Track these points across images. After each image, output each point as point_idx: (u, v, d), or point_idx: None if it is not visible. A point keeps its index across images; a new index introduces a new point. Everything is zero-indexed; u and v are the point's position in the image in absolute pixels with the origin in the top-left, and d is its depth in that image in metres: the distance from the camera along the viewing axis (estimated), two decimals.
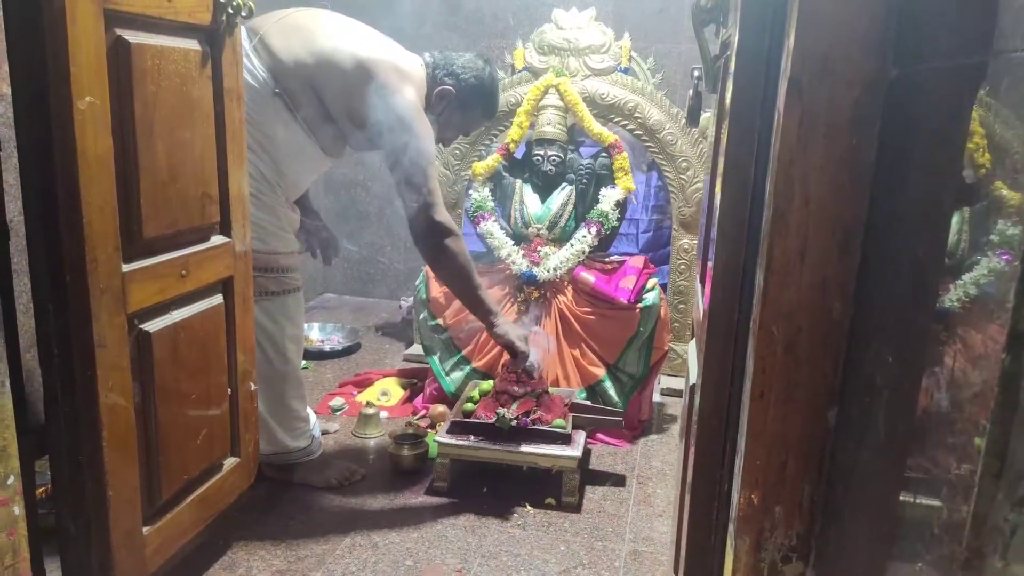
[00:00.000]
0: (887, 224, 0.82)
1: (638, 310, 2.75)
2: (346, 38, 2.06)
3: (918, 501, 0.67)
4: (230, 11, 1.66)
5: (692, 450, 1.29)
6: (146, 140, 1.47)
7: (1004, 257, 0.81)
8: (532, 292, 2.86)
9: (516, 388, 2.43)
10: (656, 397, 3.10)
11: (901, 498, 0.73)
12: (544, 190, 3.02)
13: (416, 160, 2.03)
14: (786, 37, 0.89)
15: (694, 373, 1.43)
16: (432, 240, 2.10)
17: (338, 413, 2.96)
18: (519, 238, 2.99)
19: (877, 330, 0.82)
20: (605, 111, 3.09)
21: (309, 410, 2.47)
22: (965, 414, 0.69)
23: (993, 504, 0.48)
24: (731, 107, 1.12)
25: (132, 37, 1.42)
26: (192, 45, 1.59)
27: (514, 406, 2.40)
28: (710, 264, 1.27)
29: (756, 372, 0.93)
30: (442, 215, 2.08)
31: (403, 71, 2.07)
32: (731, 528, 1.03)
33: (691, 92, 1.55)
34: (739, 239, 1.11)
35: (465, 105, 2.23)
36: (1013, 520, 0.47)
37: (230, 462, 1.92)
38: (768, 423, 0.93)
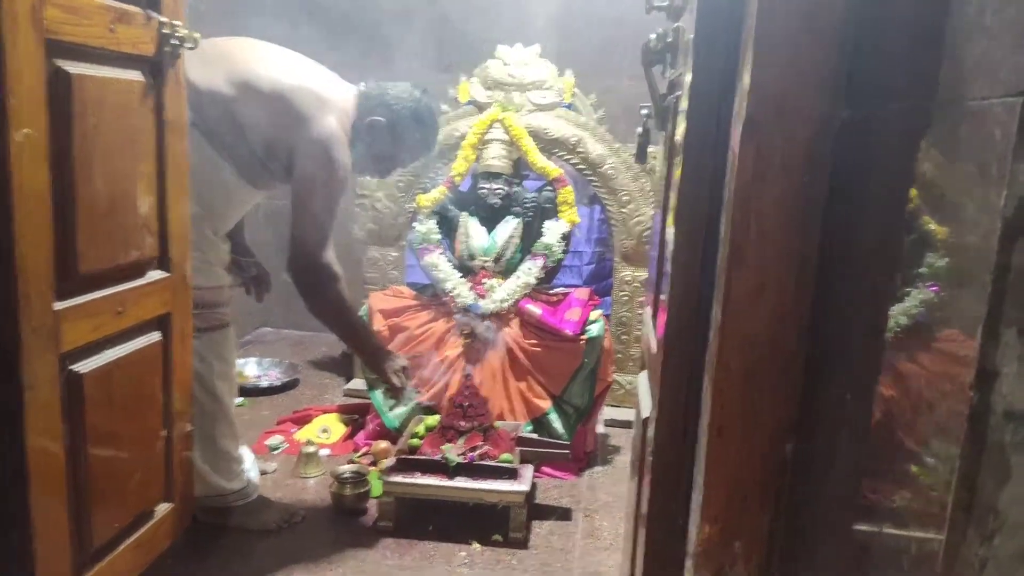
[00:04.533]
0: (840, 258, 0.84)
1: (583, 342, 2.77)
2: (266, 65, 2.02)
3: (883, 531, 0.68)
4: (174, 42, 1.62)
5: (646, 483, 1.29)
6: (85, 172, 1.42)
7: (933, 288, 0.85)
8: (478, 323, 2.85)
9: (463, 423, 2.41)
10: (600, 428, 3.11)
11: (865, 529, 0.74)
12: (490, 222, 3.03)
13: (318, 193, 2.00)
14: (739, 78, 0.92)
15: (646, 406, 1.44)
16: (310, 280, 2.05)
17: (276, 452, 2.88)
18: (465, 270, 2.99)
19: (833, 362, 0.84)
20: (549, 145, 3.13)
21: (245, 450, 2.40)
22: (918, 443, 0.72)
23: (964, 538, 0.50)
24: (684, 144, 1.14)
25: (73, 68, 1.37)
26: (135, 76, 1.55)
27: (460, 441, 2.37)
28: (663, 297, 1.29)
29: (715, 406, 0.94)
30: (327, 255, 2.05)
31: (323, 99, 2.04)
32: (689, 563, 1.04)
33: (639, 129, 1.59)
34: (693, 273, 1.13)
35: (398, 136, 2.19)
36: (983, 554, 0.48)
37: (163, 507, 1.84)
38: (727, 457, 0.94)
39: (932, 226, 0.81)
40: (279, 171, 2.10)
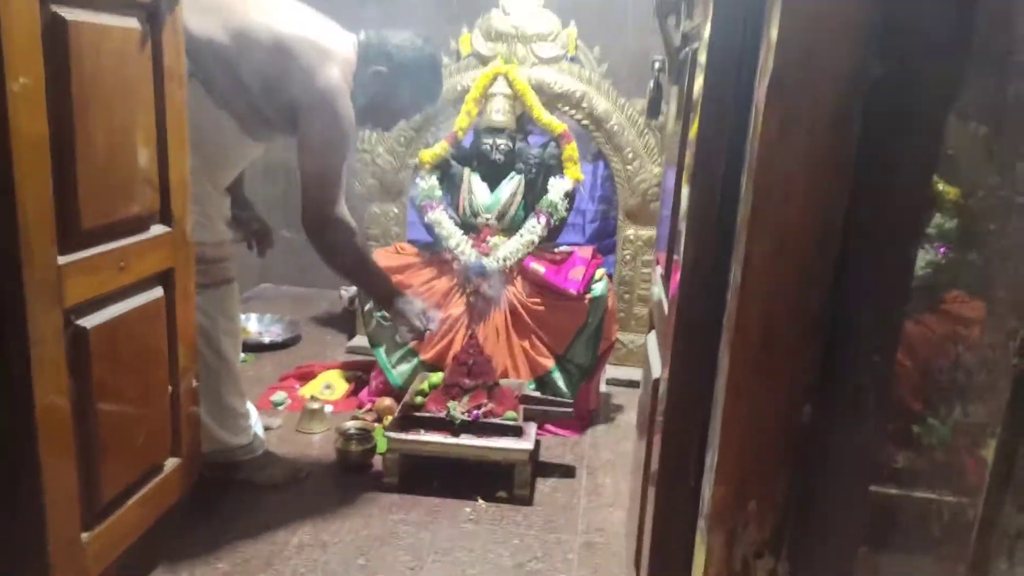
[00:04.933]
0: (867, 220, 0.83)
1: (587, 301, 2.76)
2: (265, 14, 1.97)
3: (908, 496, 0.68)
4: None
5: (656, 443, 1.29)
6: (83, 124, 1.39)
7: (942, 250, 0.83)
8: (481, 282, 2.83)
9: (467, 381, 2.41)
10: (603, 387, 3.12)
11: (885, 493, 0.74)
12: (493, 179, 2.99)
13: (326, 146, 1.97)
14: (765, 31, 0.89)
15: (656, 366, 1.43)
16: (326, 237, 2.04)
17: (280, 408, 2.88)
18: (468, 228, 2.96)
19: (856, 324, 0.83)
20: (553, 100, 3.07)
21: (249, 405, 2.40)
22: (947, 408, 0.71)
23: (1001, 507, 0.49)
24: (702, 100, 1.12)
25: (69, 14, 1.33)
26: (132, 23, 1.51)
27: (465, 399, 2.38)
28: (676, 257, 1.27)
29: (732, 366, 0.93)
30: (340, 210, 2.02)
31: (325, 50, 1.99)
32: (702, 523, 1.04)
33: (651, 84, 1.55)
34: (709, 232, 1.11)
35: (401, 87, 2.13)
36: (1021, 524, 0.48)
37: (171, 462, 1.84)
38: (743, 418, 0.93)
39: (940, 186, 0.79)
40: (280, 123, 2.06)
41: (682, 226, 1.22)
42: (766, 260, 0.89)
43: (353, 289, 3.64)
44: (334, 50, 2.00)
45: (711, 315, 1.11)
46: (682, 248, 1.18)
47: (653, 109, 1.59)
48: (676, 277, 1.23)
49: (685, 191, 1.23)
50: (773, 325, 0.89)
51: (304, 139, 1.98)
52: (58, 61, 1.32)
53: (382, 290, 2.24)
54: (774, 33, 0.83)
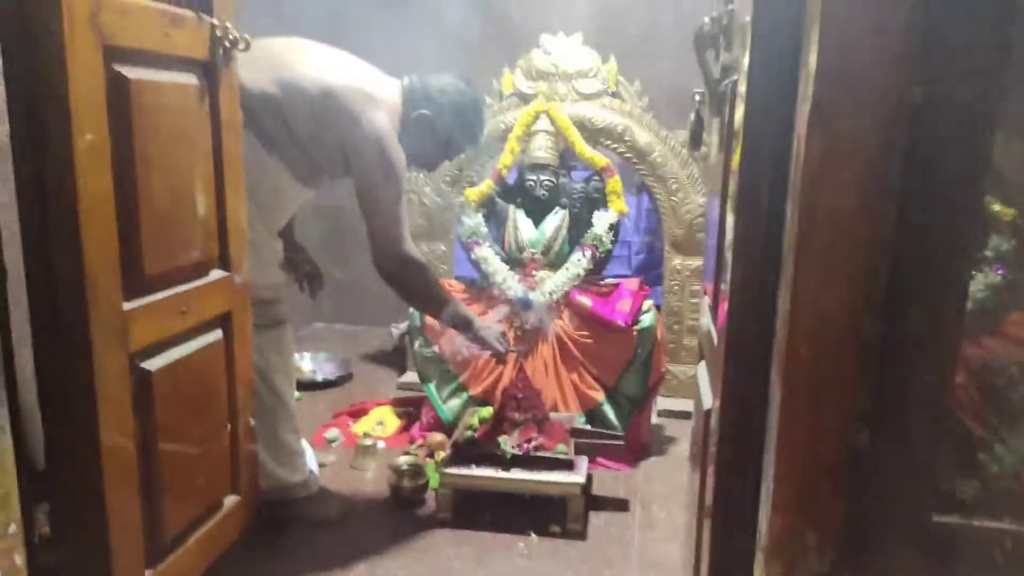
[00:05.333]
0: (917, 243, 0.82)
1: (635, 332, 2.75)
2: (312, 65, 2.04)
3: (970, 524, 0.66)
4: (227, 44, 1.65)
5: (711, 475, 1.28)
6: (145, 176, 1.45)
7: (1000, 272, 0.82)
8: (529, 316, 2.84)
9: (517, 415, 2.41)
10: (654, 419, 3.09)
11: (947, 521, 0.72)
12: (537, 215, 3.02)
13: (382, 188, 2.02)
14: (804, 59, 0.90)
15: (708, 396, 1.42)
16: (401, 275, 2.10)
17: (334, 444, 2.92)
18: (514, 263, 2.99)
19: (910, 348, 0.82)
20: (595, 135, 3.10)
21: (304, 443, 2.43)
22: (1007, 434, 0.69)
23: None
24: (744, 129, 1.12)
25: (131, 73, 1.40)
26: (190, 80, 1.58)
27: (515, 433, 2.38)
28: (724, 286, 1.26)
29: (784, 395, 0.92)
30: (408, 247, 2.08)
31: (372, 96, 2.05)
32: (760, 556, 1.02)
33: (692, 116, 1.56)
34: (755, 260, 1.11)
35: (444, 129, 2.19)
36: None
37: (231, 500, 1.88)
38: (798, 447, 0.92)
39: (997, 207, 0.78)
40: (329, 168, 2.12)
41: (728, 255, 1.21)
42: (815, 287, 0.88)
43: (404, 325, 3.68)
44: (379, 95, 2.07)
45: (761, 343, 1.10)
46: (729, 277, 1.18)
47: (695, 141, 1.59)
48: (724, 307, 1.22)
49: (730, 220, 1.23)
50: (824, 351, 0.88)
51: (360, 183, 2.04)
52: (121, 117, 1.39)
53: (460, 319, 2.28)
54: (812, 61, 0.84)
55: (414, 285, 2.14)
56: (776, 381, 0.96)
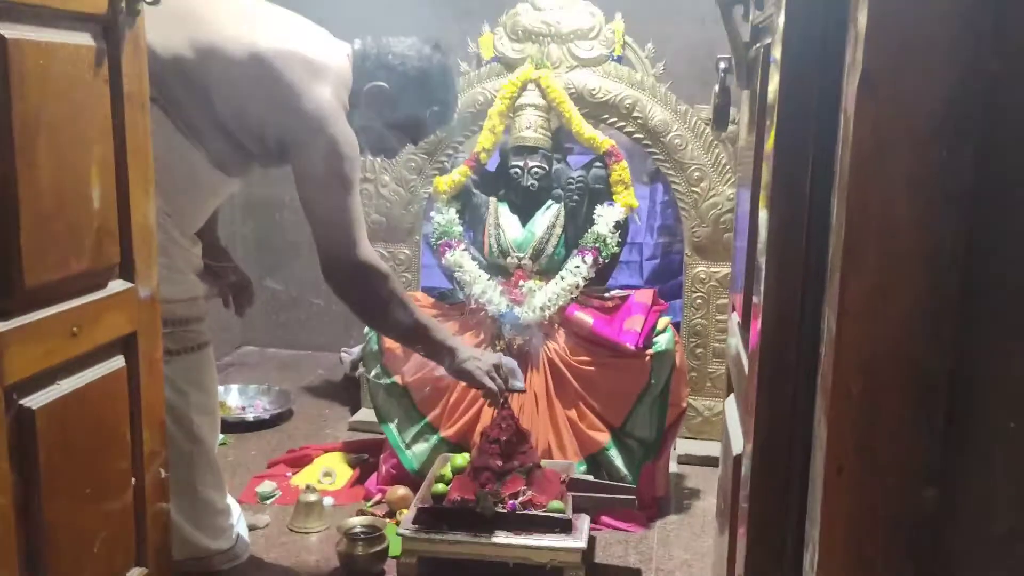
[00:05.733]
0: (992, 250, 0.82)
1: (648, 358, 2.75)
2: (240, 24, 2.01)
3: None
4: None
5: (741, 538, 1.28)
6: (27, 162, 1.44)
7: None
8: (515, 338, 2.84)
9: (499, 463, 2.40)
10: (673, 467, 3.09)
11: None
12: (525, 210, 3.03)
13: (327, 181, 2.01)
14: (852, 18, 0.90)
15: (737, 439, 1.42)
16: (357, 288, 2.07)
17: (269, 502, 2.90)
18: (495, 270, 2.99)
19: (988, 384, 0.82)
20: (597, 110, 3.12)
21: (231, 500, 2.41)
22: None
23: None
24: (778, 104, 1.13)
25: (8, 31, 1.39)
26: (84, 40, 1.57)
27: (497, 486, 2.37)
28: (756, 299, 1.27)
29: (831, 439, 0.92)
30: (365, 252, 2.06)
31: (314, 63, 2.03)
32: None
33: (716, 88, 1.57)
34: (795, 266, 1.12)
35: (406, 105, 2.17)
36: None
37: (136, 573, 1.86)
38: (848, 505, 0.92)
39: None
40: (262, 155, 2.11)
41: (761, 261, 1.22)
42: (866, 302, 0.88)
43: (357, 350, 3.67)
44: (323, 62, 2.06)
45: (803, 373, 1.11)
46: (762, 289, 1.18)
47: (720, 118, 1.61)
48: (756, 325, 1.23)
49: (763, 217, 1.24)
50: (879, 385, 0.89)
51: (300, 174, 2.02)
52: None
53: (436, 345, 2.23)
54: (862, 21, 0.85)
55: (374, 300, 2.11)
56: (821, 421, 0.96)
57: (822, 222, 1.05)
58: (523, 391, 2.43)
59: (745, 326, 1.45)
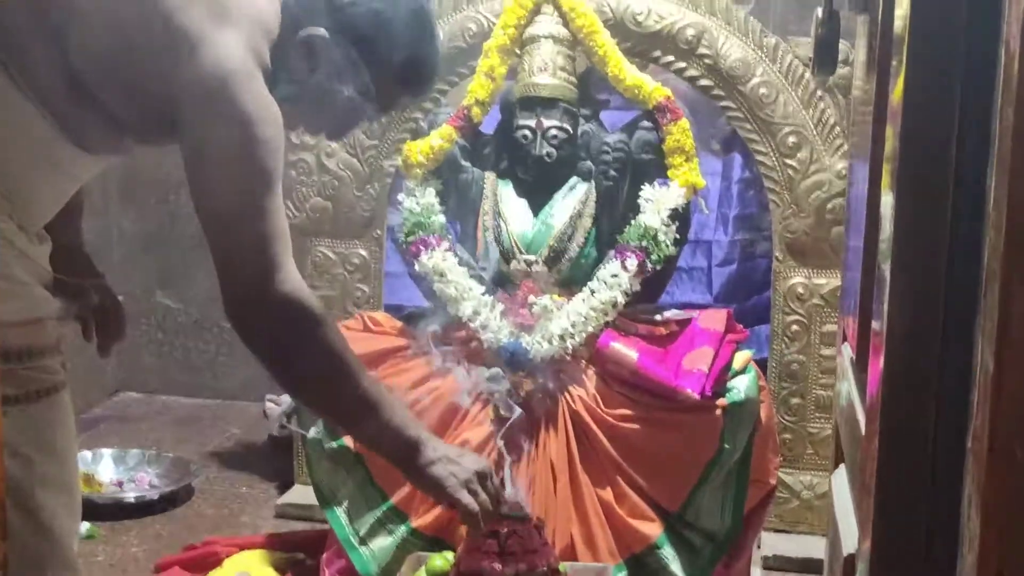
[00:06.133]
0: None
1: (720, 411, 2.75)
2: None
3: None
4: None
5: None
6: None
7: None
8: (522, 381, 2.84)
9: (498, 566, 2.40)
10: (756, 574, 3.09)
11: None
12: (538, 192, 3.04)
13: (232, 171, 2.00)
14: None
15: (849, 531, 1.42)
16: (272, 336, 2.02)
17: None
18: (494, 280, 2.99)
19: None
20: (644, 44, 3.14)
21: None
22: None
23: None
24: (909, 39, 1.13)
25: None
26: None
27: None
28: (876, 326, 1.27)
29: (986, 531, 0.92)
30: (290, 284, 2.01)
31: (220, 5, 2.04)
32: None
33: (818, 14, 1.58)
34: (935, 279, 1.12)
35: (358, 62, 2.17)
36: None
37: None
38: None
39: None
40: (139, 127, 2.11)
41: (884, 268, 1.22)
42: None
43: (285, 400, 3.67)
44: (236, 5, 2.06)
45: (948, 432, 1.11)
46: (886, 310, 1.18)
47: (825, 57, 1.61)
48: (877, 364, 1.23)
49: (887, 202, 1.24)
50: None
51: (192, 162, 2.00)
52: None
53: (390, 433, 2.19)
54: None
55: (297, 357, 2.06)
56: (972, 502, 0.96)
57: (975, 210, 1.05)
58: (525, 519, 2.38)
59: (861, 365, 1.45)
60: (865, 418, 1.36)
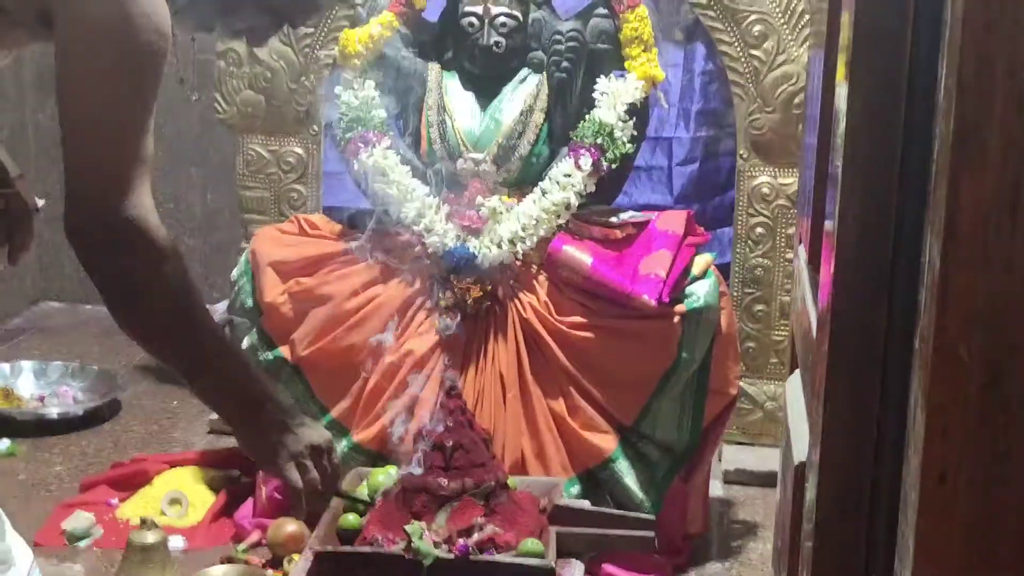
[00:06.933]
0: None
1: (678, 318, 2.77)
2: None
3: None
4: None
5: None
6: None
7: None
8: (469, 288, 2.85)
9: (444, 481, 2.42)
10: (715, 489, 3.14)
11: None
12: (486, 85, 3.03)
13: (100, 72, 1.95)
14: None
15: (801, 439, 1.45)
16: (111, 261, 1.98)
17: (83, 544, 2.92)
18: (439, 180, 2.98)
19: None
20: None
21: (17, 543, 2.42)
22: None
23: None
24: None
25: None
26: None
27: (441, 517, 2.40)
28: (828, 225, 1.29)
29: (931, 434, 0.95)
30: (138, 208, 1.95)
31: None
32: None
33: None
34: (886, 175, 1.13)
35: None
36: None
37: None
38: (956, 529, 0.95)
39: None
40: (17, 16, 2.08)
41: (837, 164, 1.24)
42: (987, 223, 0.90)
43: (221, 307, 3.67)
44: None
45: (898, 336, 1.13)
46: (837, 209, 1.20)
47: None
48: (828, 267, 1.25)
49: (841, 94, 1.25)
50: (1006, 350, 0.91)
51: (60, 58, 1.97)
52: None
53: (231, 385, 2.14)
54: None
55: (137, 287, 2.00)
56: (917, 407, 0.99)
57: (929, 98, 1.06)
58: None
59: (814, 267, 1.47)
60: (817, 322, 1.38)
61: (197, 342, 2.02)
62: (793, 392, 1.64)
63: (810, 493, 1.31)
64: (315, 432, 2.10)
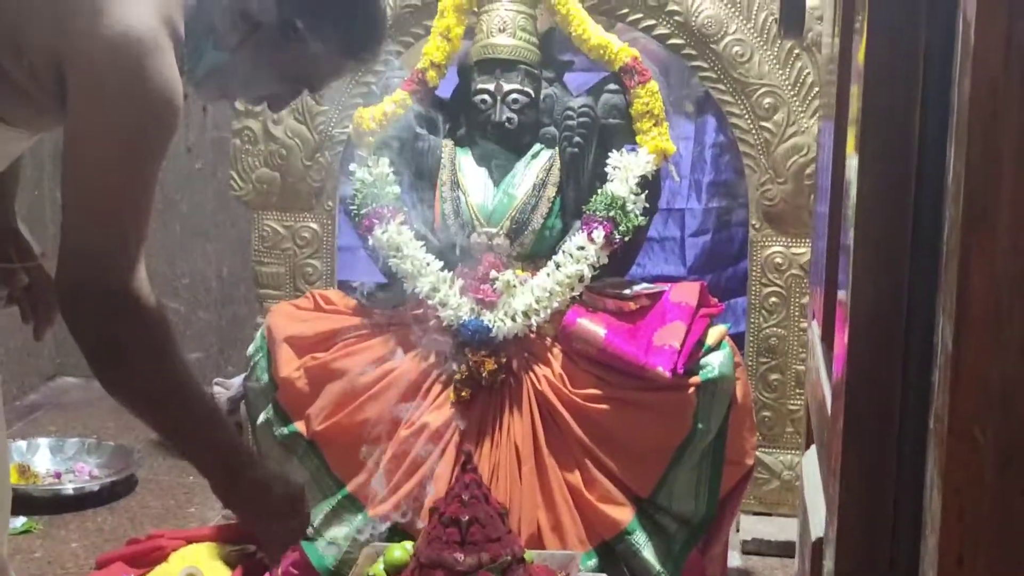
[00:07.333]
0: None
1: (693, 390, 2.77)
2: None
3: None
4: None
5: None
6: None
7: None
8: (484, 360, 2.85)
9: (460, 556, 2.42)
10: (734, 559, 3.12)
11: None
12: (499, 160, 3.04)
13: (110, 143, 1.96)
14: None
15: (818, 514, 1.44)
16: (107, 330, 1.98)
17: None
18: (452, 255, 2.99)
19: None
20: (610, 1, 3.15)
21: None
22: None
23: None
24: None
25: None
26: None
27: None
28: (841, 295, 1.29)
29: (947, 516, 0.94)
30: (137, 281, 1.97)
31: None
32: None
33: None
34: (899, 249, 1.13)
35: (294, 27, 2.14)
36: None
37: None
38: None
39: None
40: (38, 95, 2.09)
41: (849, 235, 1.24)
42: (1000, 305, 0.90)
43: (236, 383, 3.67)
44: None
45: (914, 412, 1.12)
46: (850, 281, 1.20)
47: (791, 17, 1.63)
48: (842, 339, 1.25)
49: (852, 166, 1.25)
50: (1017, 437, 0.91)
51: (70, 129, 1.98)
52: None
53: (214, 450, 2.14)
54: None
55: (128, 355, 2.01)
56: (933, 488, 0.99)
57: (938, 178, 1.06)
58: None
59: (828, 340, 1.47)
60: (831, 395, 1.38)
61: (181, 406, 2.03)
62: (810, 466, 1.64)
63: (828, 566, 1.31)
64: (290, 484, 2.13)
